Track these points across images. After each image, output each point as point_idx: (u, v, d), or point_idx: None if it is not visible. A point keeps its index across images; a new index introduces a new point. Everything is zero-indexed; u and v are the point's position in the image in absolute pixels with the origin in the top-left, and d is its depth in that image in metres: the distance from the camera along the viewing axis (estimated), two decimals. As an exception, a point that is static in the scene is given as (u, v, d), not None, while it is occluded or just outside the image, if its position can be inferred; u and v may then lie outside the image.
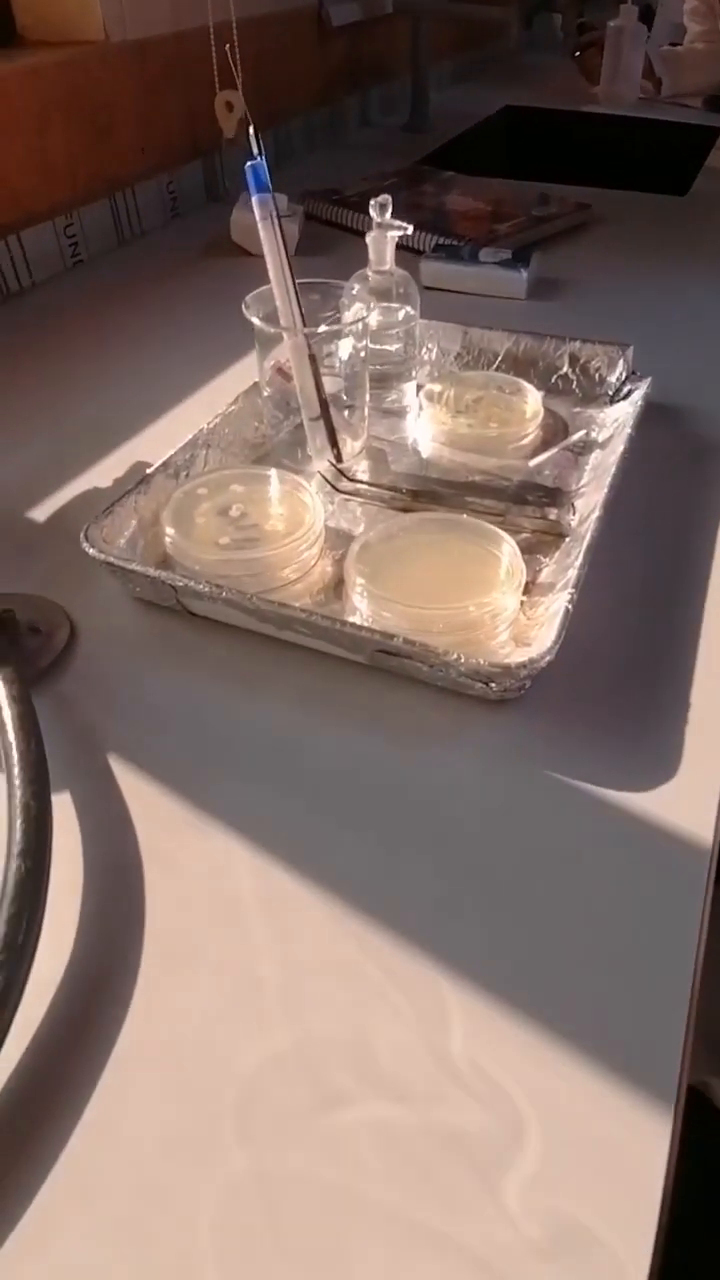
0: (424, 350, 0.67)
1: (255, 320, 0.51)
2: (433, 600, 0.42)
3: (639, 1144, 0.27)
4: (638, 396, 0.58)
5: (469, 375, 0.63)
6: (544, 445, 0.58)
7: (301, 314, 0.51)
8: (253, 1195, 0.26)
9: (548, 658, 0.38)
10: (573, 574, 0.43)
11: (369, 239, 0.59)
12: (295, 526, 0.47)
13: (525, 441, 0.58)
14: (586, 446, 0.58)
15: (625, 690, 0.42)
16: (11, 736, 0.35)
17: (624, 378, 0.62)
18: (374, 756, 0.39)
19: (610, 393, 0.62)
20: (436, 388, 0.61)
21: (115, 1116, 0.28)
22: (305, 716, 0.41)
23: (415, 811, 0.36)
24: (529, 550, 0.47)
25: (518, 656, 0.40)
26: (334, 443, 0.54)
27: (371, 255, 0.60)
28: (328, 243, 0.95)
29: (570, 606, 0.41)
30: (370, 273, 0.60)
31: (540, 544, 0.49)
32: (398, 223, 0.59)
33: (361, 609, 0.43)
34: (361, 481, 0.54)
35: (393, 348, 0.62)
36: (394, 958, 0.31)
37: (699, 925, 0.33)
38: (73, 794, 0.37)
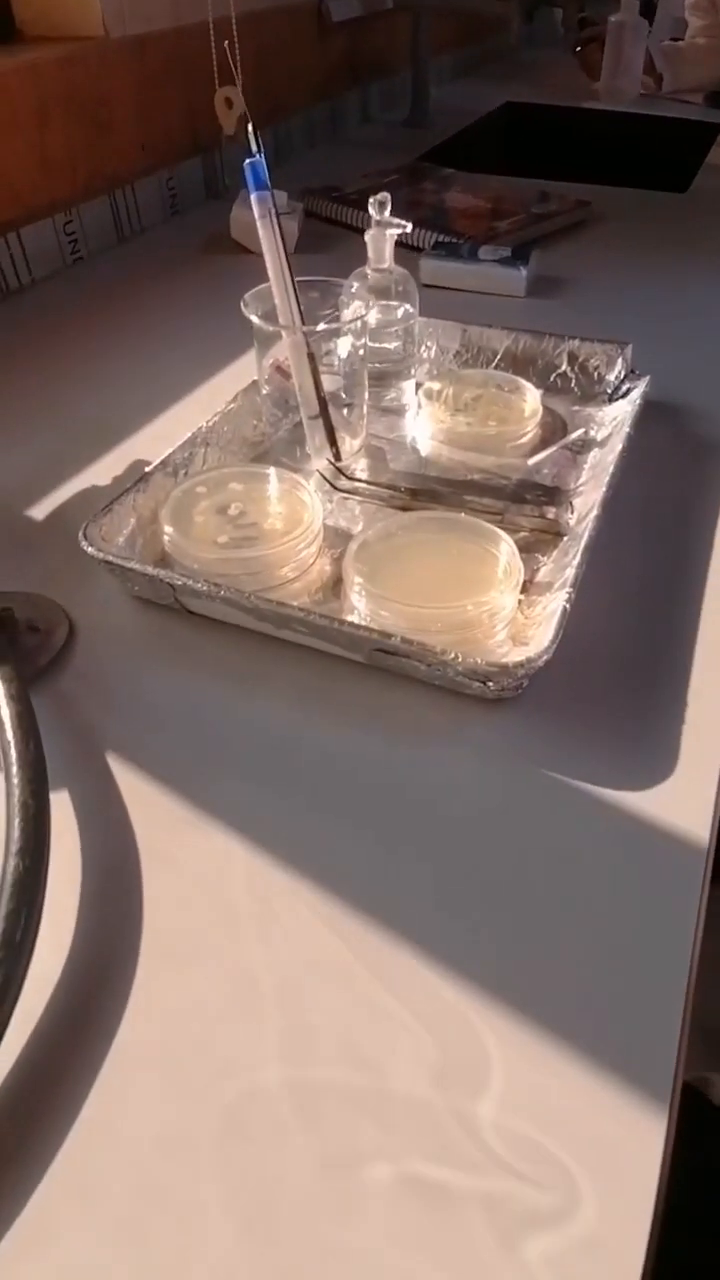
0: (423, 348, 0.67)
1: (254, 318, 0.51)
2: (431, 599, 0.42)
3: (634, 1141, 0.27)
4: (636, 395, 0.58)
5: (468, 373, 0.63)
6: (542, 444, 0.58)
7: (300, 312, 0.51)
8: (251, 1193, 0.26)
9: (545, 657, 0.39)
10: (570, 573, 0.43)
11: (368, 237, 0.59)
12: (294, 525, 0.47)
13: (524, 440, 0.58)
14: (585, 445, 0.58)
15: (622, 689, 0.42)
16: (10, 735, 0.35)
17: (623, 376, 0.62)
18: (372, 755, 0.39)
19: (609, 391, 0.62)
20: (435, 386, 0.61)
21: (113, 1114, 0.28)
22: (303, 715, 0.41)
23: (412, 810, 0.37)
24: (527, 549, 0.47)
25: (515, 656, 0.40)
26: (333, 441, 0.54)
27: (370, 253, 0.60)
28: (328, 240, 0.95)
29: (568, 605, 0.41)
30: (369, 270, 0.60)
31: (538, 543, 0.49)
32: (396, 220, 0.59)
33: (360, 608, 0.44)
34: (360, 480, 0.54)
35: (391, 346, 0.62)
36: (390, 955, 0.32)
37: (695, 923, 0.33)
38: (71, 792, 0.37)
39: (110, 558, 0.44)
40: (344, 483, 0.54)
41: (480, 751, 0.39)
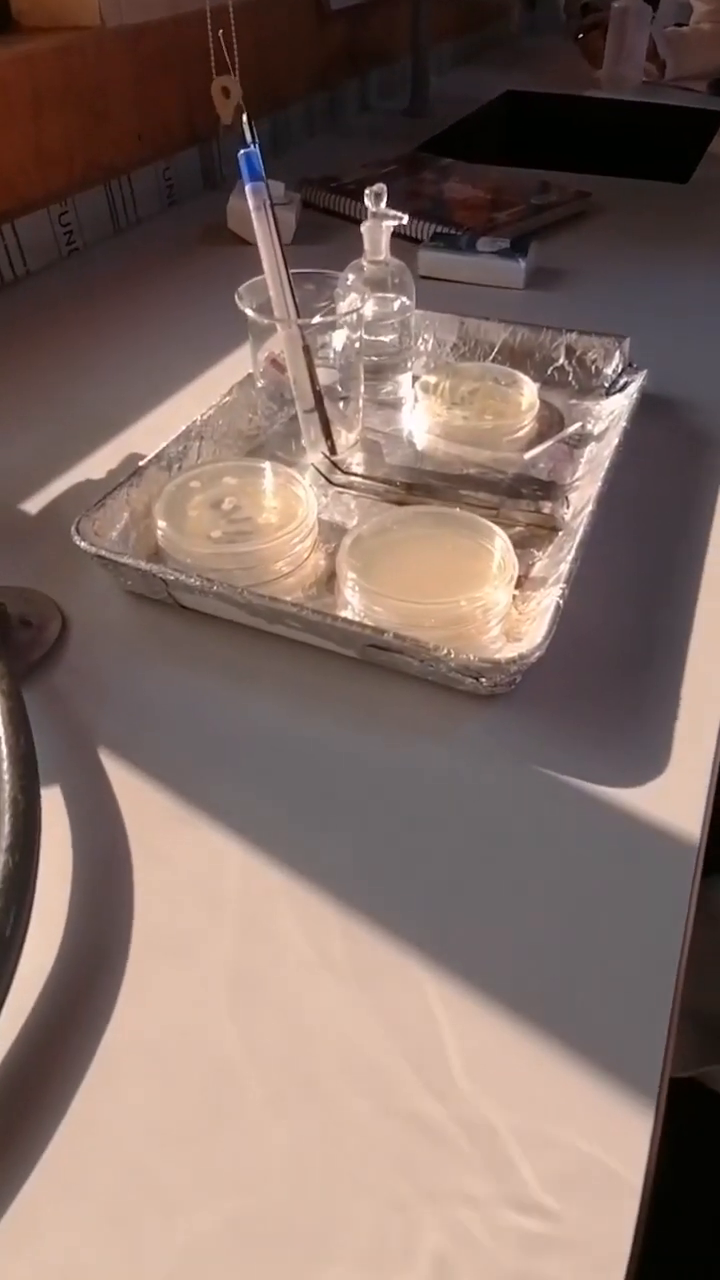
0: (420, 341, 0.66)
1: (249, 311, 0.51)
2: (424, 595, 0.42)
3: (622, 1133, 0.27)
4: (633, 389, 0.58)
5: (465, 367, 0.63)
6: (539, 438, 0.58)
7: (296, 305, 0.51)
8: (241, 1187, 0.26)
9: (538, 653, 0.38)
10: (565, 568, 0.43)
11: (364, 228, 0.59)
12: (288, 520, 0.47)
13: (520, 434, 0.58)
14: (582, 439, 0.57)
15: (616, 685, 0.42)
16: (0, 731, 0.35)
17: (620, 370, 0.62)
18: (364, 751, 0.39)
19: (606, 385, 0.62)
20: (432, 379, 0.60)
21: (103, 1110, 0.28)
22: (296, 710, 0.41)
23: (404, 806, 0.37)
24: (522, 544, 0.47)
25: (508, 652, 0.40)
26: (328, 435, 0.54)
27: (366, 245, 0.59)
28: (326, 231, 0.94)
29: (562, 601, 0.41)
30: (365, 263, 0.60)
31: (534, 538, 0.49)
32: (393, 212, 0.58)
33: (353, 603, 0.43)
34: (355, 474, 0.54)
35: (388, 339, 0.61)
36: (381, 950, 0.32)
37: (685, 918, 0.33)
38: (63, 788, 0.37)
39: (103, 552, 0.44)
40: (339, 477, 0.54)
41: (473, 747, 0.39)
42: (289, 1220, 0.25)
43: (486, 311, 0.66)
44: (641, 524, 0.52)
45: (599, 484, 0.48)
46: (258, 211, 0.49)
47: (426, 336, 0.66)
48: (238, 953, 0.32)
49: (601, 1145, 0.27)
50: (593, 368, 0.63)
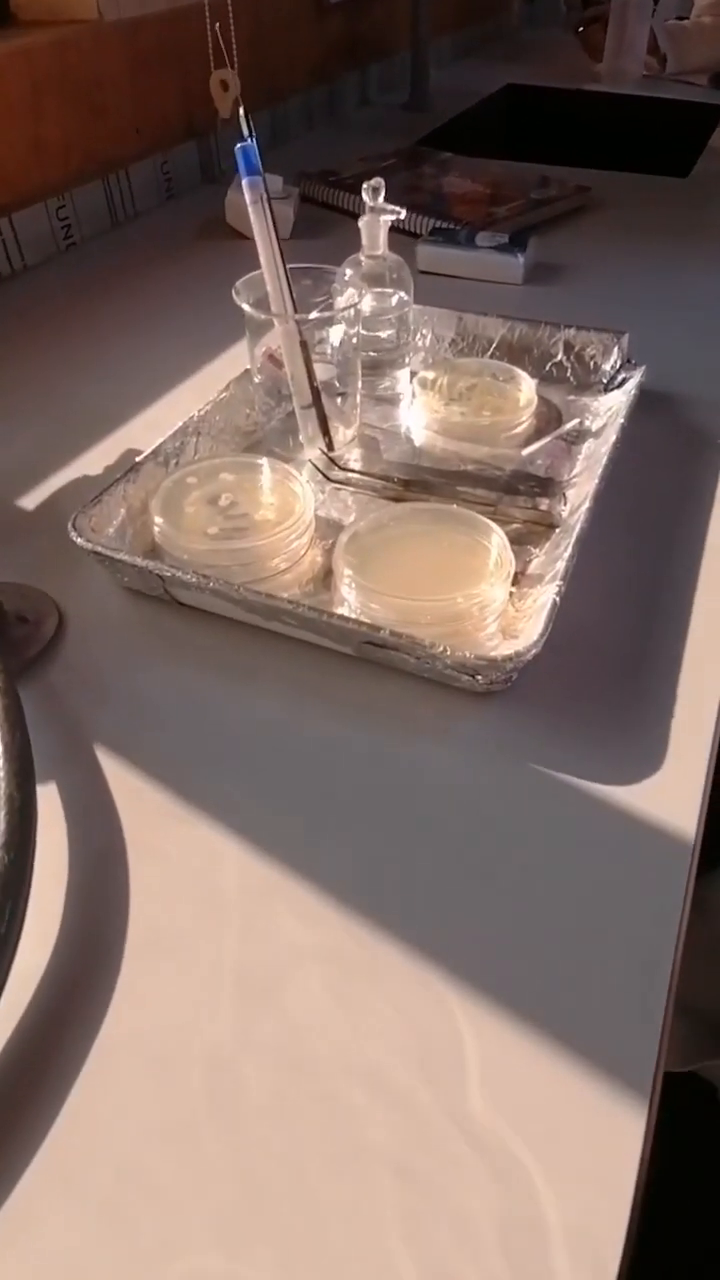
0: (418, 336, 0.66)
1: (246, 306, 0.51)
2: (420, 592, 0.42)
3: (615, 1130, 0.27)
4: (631, 385, 0.58)
5: (463, 362, 0.63)
6: (537, 434, 0.58)
7: (293, 300, 0.51)
8: (234, 1180, 0.26)
9: (534, 650, 0.38)
10: (562, 565, 0.43)
11: (361, 223, 0.59)
12: (285, 516, 0.47)
13: (518, 430, 0.58)
14: (580, 435, 0.57)
15: (612, 683, 0.42)
16: (-3, 728, 0.35)
17: (619, 366, 0.62)
18: (360, 748, 0.39)
19: (605, 381, 0.62)
20: (430, 375, 0.60)
21: (98, 1105, 0.28)
22: (292, 707, 0.41)
23: (400, 803, 0.37)
24: (519, 541, 0.47)
25: (504, 649, 0.40)
26: (325, 431, 0.53)
27: (364, 240, 0.59)
28: (324, 225, 0.94)
29: (558, 599, 0.41)
30: (363, 258, 0.60)
31: (531, 535, 0.49)
32: (391, 207, 0.58)
33: (350, 600, 0.43)
34: (353, 470, 0.54)
35: (385, 334, 0.61)
36: (377, 947, 0.32)
37: (680, 916, 0.33)
38: (59, 784, 0.37)
39: (100, 549, 0.44)
40: (337, 473, 0.54)
41: (469, 745, 0.39)
42: (284, 1218, 0.26)
43: (485, 307, 0.66)
44: (639, 521, 0.52)
45: (597, 480, 0.48)
46: (254, 206, 0.49)
47: (424, 332, 0.66)
48: (234, 950, 0.32)
49: (595, 1139, 0.27)
50: (591, 363, 0.63)
